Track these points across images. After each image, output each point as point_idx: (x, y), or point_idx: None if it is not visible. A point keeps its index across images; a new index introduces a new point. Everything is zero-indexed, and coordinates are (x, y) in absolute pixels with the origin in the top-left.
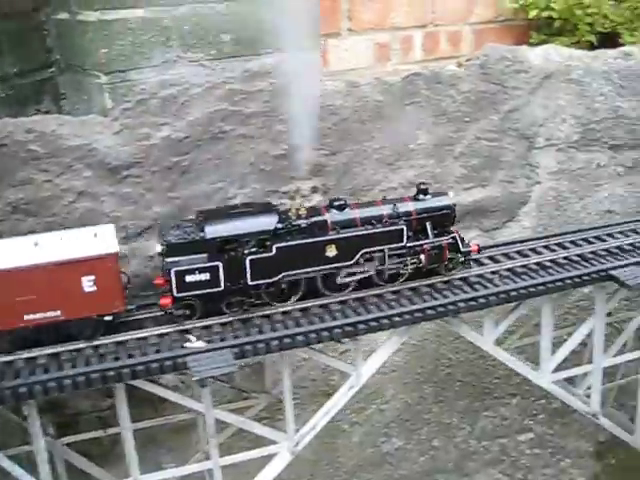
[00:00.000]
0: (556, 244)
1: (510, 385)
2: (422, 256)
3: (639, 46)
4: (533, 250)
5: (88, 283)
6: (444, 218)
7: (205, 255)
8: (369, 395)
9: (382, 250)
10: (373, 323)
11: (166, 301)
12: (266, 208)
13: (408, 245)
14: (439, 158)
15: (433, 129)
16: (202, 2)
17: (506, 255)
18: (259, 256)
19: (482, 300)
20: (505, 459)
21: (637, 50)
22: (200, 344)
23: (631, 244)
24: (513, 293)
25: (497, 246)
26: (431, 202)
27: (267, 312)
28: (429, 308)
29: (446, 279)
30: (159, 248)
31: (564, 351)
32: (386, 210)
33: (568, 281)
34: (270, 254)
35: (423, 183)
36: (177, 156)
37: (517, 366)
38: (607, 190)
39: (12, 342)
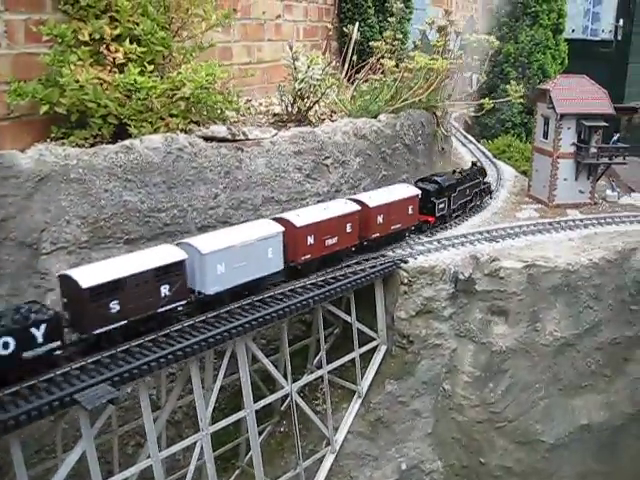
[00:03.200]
0: None
1: None
2: (483, 192)
3: (141, 138)
4: None
5: (410, 210)
6: (484, 173)
7: (442, 195)
8: None
9: (476, 190)
10: None
11: (432, 219)
12: (446, 173)
13: (481, 187)
14: None
15: None
16: None
17: None
18: (453, 195)
19: None
20: None
21: (139, 143)
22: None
23: (94, 362)
24: None
25: None
26: (479, 166)
27: None
28: None
29: None
30: (421, 195)
31: None
32: (470, 172)
33: (23, 417)
34: (454, 194)
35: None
36: None
37: None
38: None
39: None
